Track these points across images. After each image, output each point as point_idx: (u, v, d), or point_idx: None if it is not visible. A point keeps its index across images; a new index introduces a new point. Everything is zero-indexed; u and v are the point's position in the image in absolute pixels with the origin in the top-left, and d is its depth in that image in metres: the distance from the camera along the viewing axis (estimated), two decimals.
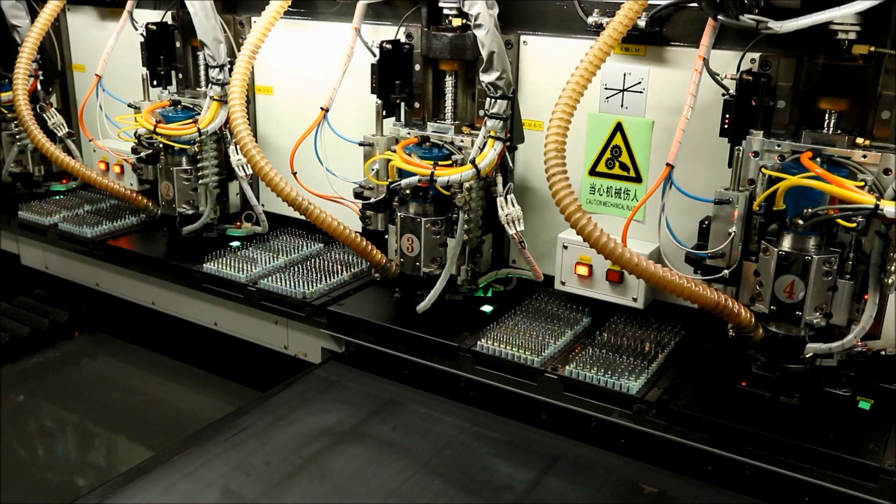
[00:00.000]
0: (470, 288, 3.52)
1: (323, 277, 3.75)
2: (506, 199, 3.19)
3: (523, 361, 3.04)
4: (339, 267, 3.86)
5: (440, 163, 3.22)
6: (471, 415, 3.18)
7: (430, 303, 3.34)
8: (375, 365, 3.47)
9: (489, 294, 3.62)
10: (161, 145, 4.09)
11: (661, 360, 3.05)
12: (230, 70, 3.75)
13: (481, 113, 3.27)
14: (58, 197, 4.98)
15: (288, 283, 3.68)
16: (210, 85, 3.95)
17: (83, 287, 4.61)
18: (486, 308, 3.49)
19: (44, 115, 4.73)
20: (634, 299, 3.22)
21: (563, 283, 3.35)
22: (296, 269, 3.84)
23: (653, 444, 2.85)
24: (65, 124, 4.78)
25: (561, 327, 3.28)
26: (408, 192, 3.33)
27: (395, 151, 3.32)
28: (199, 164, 4.09)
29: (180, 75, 4.31)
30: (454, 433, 3.07)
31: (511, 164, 3.33)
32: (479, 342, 3.16)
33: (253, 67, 4.13)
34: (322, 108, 3.55)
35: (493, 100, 3.11)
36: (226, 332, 4.04)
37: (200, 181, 4.12)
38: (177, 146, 4.04)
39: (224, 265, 3.91)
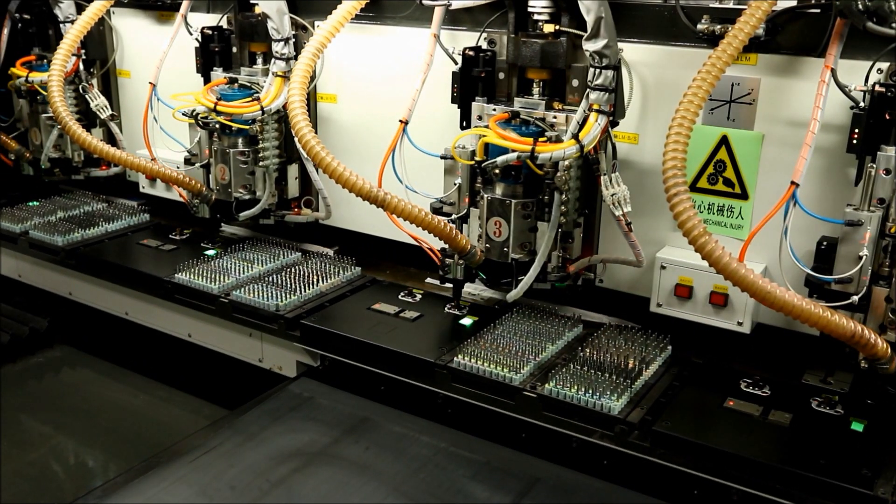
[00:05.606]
0: (559, 275, 3.24)
1: (298, 289, 3.59)
2: (611, 178, 2.94)
3: (501, 379, 2.90)
4: (315, 277, 3.68)
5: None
6: (447, 434, 3.05)
7: (521, 292, 3.17)
8: (350, 381, 3.32)
9: (579, 283, 3.33)
10: (218, 126, 3.81)
11: (645, 376, 2.93)
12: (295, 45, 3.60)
13: (575, 83, 3.05)
14: (33, 203, 4.80)
15: (261, 294, 3.53)
16: (273, 60, 3.72)
17: (57, 296, 4.43)
18: (466, 321, 3.34)
19: (86, 95, 4.50)
20: (740, 323, 3.00)
21: (659, 305, 3.13)
22: (271, 279, 3.67)
23: (636, 466, 2.71)
24: (108, 106, 4.52)
25: (542, 342, 3.12)
26: (497, 171, 3.06)
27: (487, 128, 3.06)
28: (260, 146, 3.82)
29: None
30: (429, 454, 2.94)
31: (614, 140, 3.00)
32: (455, 358, 3.01)
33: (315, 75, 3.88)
34: (401, 121, 3.33)
35: (597, 70, 2.87)
36: (200, 343, 3.87)
37: (260, 164, 3.85)
38: (234, 126, 3.78)
39: (196, 275, 3.75)
